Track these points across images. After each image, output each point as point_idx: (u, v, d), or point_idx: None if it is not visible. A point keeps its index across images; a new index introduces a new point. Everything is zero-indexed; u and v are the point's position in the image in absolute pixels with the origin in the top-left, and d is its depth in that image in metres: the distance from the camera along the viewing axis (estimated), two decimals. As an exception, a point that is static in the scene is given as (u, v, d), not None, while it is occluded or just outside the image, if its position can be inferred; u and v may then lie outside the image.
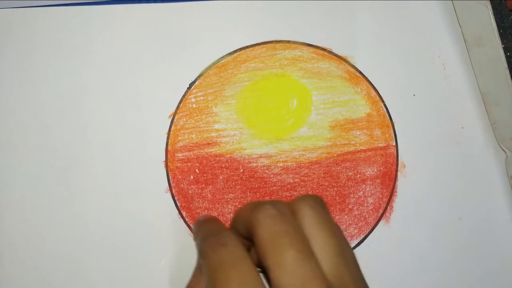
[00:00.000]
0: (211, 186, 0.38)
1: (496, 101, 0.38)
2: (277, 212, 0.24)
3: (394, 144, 0.39)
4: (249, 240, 0.26)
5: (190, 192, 0.38)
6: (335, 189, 0.38)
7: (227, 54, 0.39)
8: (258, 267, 0.24)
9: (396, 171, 0.39)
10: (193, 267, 0.38)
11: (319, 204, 0.26)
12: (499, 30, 0.37)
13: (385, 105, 0.39)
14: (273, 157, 0.38)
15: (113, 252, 0.38)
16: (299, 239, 0.23)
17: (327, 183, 0.38)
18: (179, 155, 0.38)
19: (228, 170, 0.38)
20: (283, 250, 0.23)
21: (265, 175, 0.38)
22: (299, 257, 0.23)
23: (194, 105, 0.39)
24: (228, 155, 0.38)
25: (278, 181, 0.38)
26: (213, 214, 0.38)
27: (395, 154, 0.39)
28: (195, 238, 0.29)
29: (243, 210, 0.26)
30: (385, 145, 0.39)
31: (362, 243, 0.38)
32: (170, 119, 0.39)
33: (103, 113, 0.39)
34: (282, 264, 0.22)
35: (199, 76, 0.39)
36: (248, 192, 0.38)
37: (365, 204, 0.38)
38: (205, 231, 0.28)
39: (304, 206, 0.25)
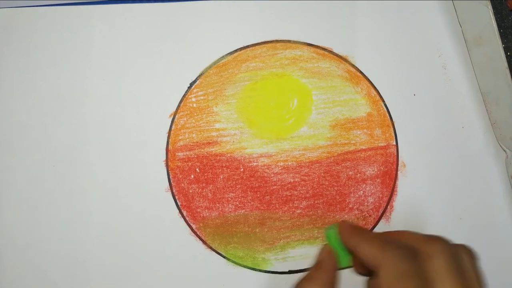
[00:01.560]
0: (211, 185, 0.38)
1: (496, 100, 0.38)
2: (453, 251, 0.28)
3: (394, 143, 0.39)
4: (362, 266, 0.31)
5: (191, 191, 0.38)
6: (336, 188, 0.38)
7: (228, 53, 0.39)
8: None
9: (396, 170, 0.39)
10: (192, 265, 0.38)
11: (475, 255, 0.30)
12: (499, 30, 0.37)
13: (385, 105, 0.39)
14: (273, 157, 0.38)
15: (113, 251, 0.38)
16: (465, 278, 0.27)
17: (327, 183, 0.38)
18: (180, 154, 0.38)
19: (228, 170, 0.38)
20: (454, 285, 0.27)
21: (265, 174, 0.38)
22: None
23: (194, 105, 0.39)
24: (229, 155, 0.38)
25: (278, 180, 0.38)
26: (215, 213, 0.38)
27: (395, 154, 0.39)
28: (353, 239, 0.32)
29: (410, 235, 0.30)
30: (385, 144, 0.39)
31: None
32: (170, 119, 0.39)
33: (104, 112, 0.39)
34: None
35: (199, 76, 0.39)
36: (249, 191, 0.38)
37: (365, 203, 0.38)
38: (376, 236, 0.32)
39: (466, 253, 0.29)
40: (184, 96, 0.39)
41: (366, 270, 0.33)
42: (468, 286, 0.27)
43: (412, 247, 0.29)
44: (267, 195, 0.38)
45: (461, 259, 0.28)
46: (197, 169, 0.38)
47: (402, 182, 0.39)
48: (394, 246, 0.29)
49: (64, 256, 0.38)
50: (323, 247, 0.35)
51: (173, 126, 0.38)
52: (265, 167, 0.38)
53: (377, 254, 0.29)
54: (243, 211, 0.38)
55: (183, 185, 0.38)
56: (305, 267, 0.38)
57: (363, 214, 0.38)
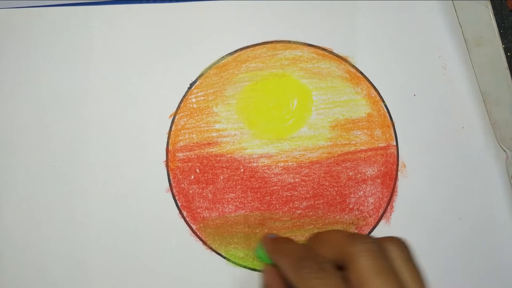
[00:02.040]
0: (211, 186, 0.38)
1: (496, 101, 0.38)
2: (377, 247, 0.26)
3: (394, 144, 0.39)
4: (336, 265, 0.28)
5: (191, 192, 0.38)
6: (336, 189, 0.38)
7: (228, 54, 0.39)
8: None
9: (397, 171, 0.39)
10: (192, 266, 0.38)
11: (407, 247, 0.28)
12: (499, 30, 0.37)
13: (385, 105, 0.39)
14: (273, 157, 0.38)
15: (113, 252, 0.38)
16: (395, 277, 0.25)
17: (327, 183, 0.38)
18: (180, 155, 0.38)
19: (228, 170, 0.38)
20: (385, 286, 0.25)
21: (265, 175, 0.38)
22: None
23: (194, 105, 0.39)
24: (229, 155, 0.38)
25: (278, 181, 0.38)
26: (215, 214, 0.38)
27: (396, 154, 0.39)
28: (273, 257, 0.31)
29: (334, 236, 0.28)
30: (385, 145, 0.39)
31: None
32: (170, 119, 0.39)
33: (103, 113, 0.39)
34: None
35: (199, 76, 0.39)
36: (249, 192, 0.38)
37: (366, 204, 0.38)
38: (293, 251, 0.29)
39: (396, 247, 0.27)
40: (184, 96, 0.39)
41: None
42: (400, 284, 0.25)
43: (335, 256, 0.27)
44: (267, 196, 0.38)
45: (390, 256, 0.27)
46: (197, 170, 0.38)
47: (402, 183, 0.39)
48: (305, 264, 0.27)
49: (64, 256, 0.38)
50: (264, 269, 0.32)
51: (173, 127, 0.38)
52: (265, 167, 0.38)
53: (291, 273, 0.27)
54: (243, 211, 0.38)
55: (183, 185, 0.38)
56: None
57: (363, 214, 0.38)
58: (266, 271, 0.32)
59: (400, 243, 0.28)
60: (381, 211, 0.38)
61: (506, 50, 0.38)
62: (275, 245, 0.32)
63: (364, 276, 0.25)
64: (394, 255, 0.27)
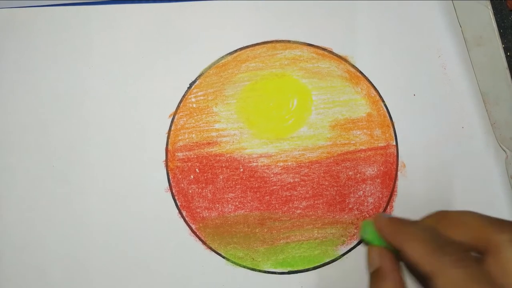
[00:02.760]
0: (211, 185, 0.38)
1: (496, 101, 0.38)
2: (463, 257, 0.24)
3: (394, 143, 0.39)
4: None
5: (190, 191, 0.38)
6: (335, 188, 0.38)
7: (228, 53, 0.39)
8: None
9: (396, 170, 0.39)
10: (192, 266, 0.38)
11: None
12: (499, 30, 0.37)
13: (385, 105, 0.39)
14: (273, 157, 0.38)
15: (113, 252, 0.38)
16: (488, 282, 0.23)
17: (327, 183, 0.38)
18: (179, 154, 0.38)
19: (228, 170, 0.38)
20: None
21: (265, 174, 0.38)
22: None
23: (194, 105, 0.39)
24: (228, 155, 0.38)
25: (278, 181, 0.38)
26: (214, 213, 0.38)
27: (395, 154, 0.39)
28: (397, 239, 0.28)
29: (471, 221, 0.26)
30: (385, 144, 0.39)
31: (362, 243, 0.38)
32: (170, 119, 0.39)
33: (103, 113, 0.39)
34: None
35: (199, 76, 0.39)
36: (248, 192, 0.38)
37: (365, 203, 0.38)
38: (426, 236, 0.27)
39: (508, 244, 0.24)
40: (183, 96, 0.39)
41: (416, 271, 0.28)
42: None
43: (472, 241, 0.25)
44: (267, 196, 0.38)
45: None
46: (196, 170, 0.38)
47: (402, 182, 0.39)
48: (447, 250, 0.25)
49: (63, 256, 0.38)
50: (372, 251, 0.30)
51: (172, 126, 0.38)
52: (265, 167, 0.38)
53: (427, 261, 0.25)
54: (242, 211, 0.38)
55: (182, 185, 0.38)
56: (305, 267, 0.38)
57: (363, 214, 0.38)
58: (379, 254, 0.30)
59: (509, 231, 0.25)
60: (380, 211, 0.38)
61: (506, 50, 0.38)
62: (398, 226, 0.29)
63: (509, 268, 0.23)
64: (501, 259, 0.24)
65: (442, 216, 0.28)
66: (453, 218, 0.27)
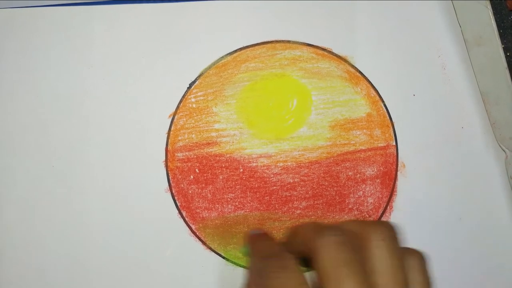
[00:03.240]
0: (211, 186, 0.38)
1: (496, 101, 0.38)
2: (342, 239, 0.25)
3: (394, 144, 0.39)
4: (305, 258, 0.27)
5: (190, 192, 0.38)
6: (335, 189, 0.38)
7: (227, 54, 0.39)
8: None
9: (396, 171, 0.39)
10: (192, 266, 0.38)
11: (391, 234, 0.26)
12: (499, 30, 0.37)
13: (385, 105, 0.39)
14: (273, 157, 0.38)
15: (113, 252, 0.38)
16: (361, 271, 0.24)
17: (327, 183, 0.38)
18: (179, 155, 0.38)
19: (228, 170, 0.38)
20: (343, 282, 0.23)
21: (265, 175, 0.38)
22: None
23: (194, 105, 0.39)
24: (228, 155, 0.38)
25: (278, 181, 0.38)
26: (214, 213, 0.38)
27: (395, 154, 0.39)
28: (249, 254, 0.31)
29: (304, 230, 0.27)
30: (385, 145, 0.39)
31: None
32: (170, 119, 0.39)
33: (103, 113, 0.39)
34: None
35: (199, 76, 0.39)
36: (248, 192, 0.38)
37: (365, 204, 0.38)
38: (263, 249, 0.29)
39: (375, 236, 0.25)
40: (183, 96, 0.39)
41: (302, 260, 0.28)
42: (365, 276, 0.24)
43: (353, 233, 0.26)
44: (267, 196, 0.38)
45: (367, 245, 0.25)
46: (196, 170, 0.38)
47: (401, 183, 0.39)
48: (272, 262, 0.26)
49: (63, 256, 0.38)
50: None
51: (172, 127, 0.38)
52: (265, 167, 0.38)
53: (257, 275, 0.27)
54: (242, 211, 0.38)
55: (182, 185, 0.38)
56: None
57: (363, 214, 0.38)
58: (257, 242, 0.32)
59: (381, 230, 0.26)
60: (380, 211, 0.38)
61: (505, 50, 0.38)
62: (253, 242, 0.32)
63: (325, 270, 0.24)
64: (371, 247, 0.25)
65: (291, 229, 0.30)
66: (296, 229, 0.29)
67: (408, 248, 0.27)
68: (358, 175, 0.38)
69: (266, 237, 0.32)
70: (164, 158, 0.38)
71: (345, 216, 0.38)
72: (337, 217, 0.38)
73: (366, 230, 0.26)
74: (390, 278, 0.25)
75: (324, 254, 0.24)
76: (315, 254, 0.25)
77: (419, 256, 0.27)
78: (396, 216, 0.39)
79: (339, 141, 0.39)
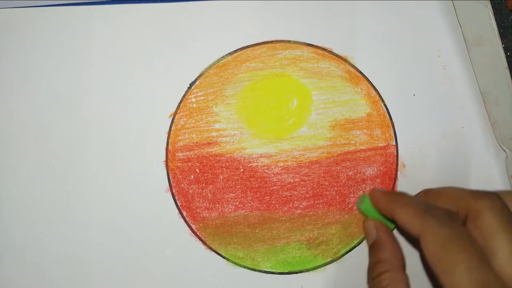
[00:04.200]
0: (211, 185, 0.38)
1: (496, 100, 0.38)
2: (502, 204, 0.26)
3: (394, 143, 0.39)
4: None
5: (191, 191, 0.38)
6: (335, 188, 0.38)
7: (228, 54, 0.39)
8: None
9: (396, 170, 0.39)
10: (192, 266, 0.38)
11: (502, 206, 0.27)
12: (499, 30, 0.37)
13: (385, 105, 0.39)
14: (273, 157, 0.38)
15: (113, 252, 0.38)
16: (473, 250, 0.25)
17: (327, 183, 0.38)
18: (180, 154, 0.38)
19: (228, 170, 0.38)
20: (455, 263, 0.24)
21: (265, 174, 0.38)
22: (472, 268, 0.24)
23: (194, 105, 0.39)
24: (229, 155, 0.38)
25: (278, 181, 0.38)
26: (214, 213, 0.38)
27: (395, 154, 0.39)
28: (390, 207, 0.31)
29: (453, 192, 0.28)
30: (385, 144, 0.39)
31: (362, 243, 0.38)
32: (170, 119, 0.39)
33: (103, 113, 0.39)
34: (508, 252, 0.24)
35: (199, 76, 0.39)
36: (249, 192, 0.38)
37: (365, 203, 0.38)
38: (416, 202, 0.29)
39: (485, 210, 0.26)
40: (184, 96, 0.39)
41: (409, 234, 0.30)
42: None
43: (455, 209, 0.27)
44: (267, 196, 0.38)
45: (505, 210, 0.26)
46: (197, 170, 0.38)
47: (401, 183, 0.39)
48: (433, 213, 0.27)
49: (63, 256, 0.38)
50: (367, 224, 0.34)
51: (173, 127, 0.38)
52: (265, 167, 0.38)
53: (416, 223, 0.28)
54: (243, 211, 0.38)
55: (183, 185, 0.38)
56: (305, 267, 0.38)
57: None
58: (370, 225, 0.33)
59: (491, 203, 0.27)
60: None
61: (505, 49, 0.38)
62: (392, 196, 0.32)
63: (489, 232, 0.25)
64: (482, 222, 0.26)
65: (427, 192, 0.31)
66: (437, 191, 0.30)
67: None
68: (358, 175, 0.38)
69: (405, 193, 0.33)
70: (164, 158, 0.38)
71: (345, 216, 0.38)
72: (337, 217, 0.38)
73: (470, 202, 0.27)
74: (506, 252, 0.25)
75: (487, 217, 0.25)
76: (476, 216, 0.26)
77: None
78: (396, 216, 0.39)
79: (339, 141, 0.39)
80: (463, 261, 0.24)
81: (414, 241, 0.35)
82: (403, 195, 0.33)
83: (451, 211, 0.27)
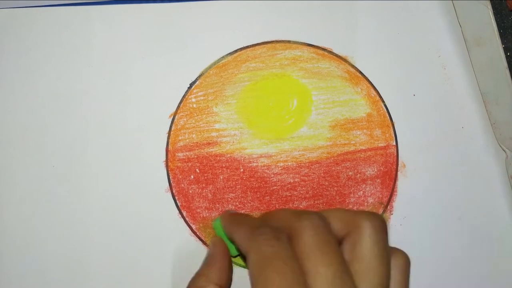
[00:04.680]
0: (211, 185, 0.38)
1: (496, 100, 0.38)
2: (322, 223, 0.26)
3: (394, 144, 0.39)
4: None
5: (191, 191, 0.38)
6: (335, 188, 0.38)
7: (228, 54, 0.39)
8: None
9: (396, 171, 0.39)
10: (192, 266, 0.38)
11: (384, 227, 0.27)
12: (499, 30, 0.37)
13: (385, 105, 0.39)
14: (273, 157, 0.38)
15: (113, 252, 0.38)
16: (338, 252, 0.25)
17: (327, 183, 0.38)
18: (180, 154, 0.38)
19: (228, 170, 0.38)
20: (325, 259, 0.24)
21: (265, 174, 0.38)
22: (337, 273, 0.24)
23: (194, 105, 0.39)
24: (229, 155, 0.38)
25: (278, 181, 0.38)
26: (215, 213, 0.38)
27: (395, 154, 0.39)
28: (229, 228, 0.32)
29: (281, 214, 0.28)
30: (385, 145, 0.39)
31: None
32: (170, 119, 0.39)
33: (103, 113, 0.39)
34: (320, 273, 0.24)
35: (199, 76, 0.39)
36: (249, 192, 0.38)
37: (365, 204, 0.38)
38: (250, 222, 0.30)
39: (304, 230, 0.26)
40: (184, 96, 0.39)
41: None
42: (343, 258, 0.25)
43: (282, 228, 0.27)
44: (267, 196, 0.38)
45: (335, 228, 0.27)
46: (197, 170, 0.38)
47: (402, 183, 0.39)
48: (261, 231, 0.26)
49: (63, 256, 0.38)
50: (212, 239, 0.35)
51: (173, 127, 0.38)
52: (265, 167, 0.38)
53: (245, 242, 0.28)
54: (243, 211, 0.38)
55: (183, 185, 0.38)
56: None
57: (363, 214, 0.38)
58: (213, 241, 0.34)
59: (378, 222, 0.27)
60: (380, 211, 0.38)
61: (505, 50, 0.38)
62: (234, 217, 0.33)
63: (306, 251, 0.25)
64: (363, 232, 0.26)
65: (264, 214, 0.31)
66: (271, 213, 0.30)
67: (395, 248, 0.28)
68: (358, 175, 0.38)
69: (248, 215, 0.34)
70: (164, 158, 0.38)
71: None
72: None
73: (360, 218, 0.27)
74: (372, 268, 0.25)
75: (304, 236, 0.25)
76: (294, 235, 0.26)
77: (404, 257, 0.28)
78: (396, 216, 0.39)
79: (339, 141, 0.39)
80: (275, 281, 0.24)
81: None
82: (244, 216, 0.34)
83: (278, 229, 0.27)
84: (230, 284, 0.34)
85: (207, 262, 0.33)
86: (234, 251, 0.34)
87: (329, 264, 0.24)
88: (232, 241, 0.33)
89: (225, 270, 0.33)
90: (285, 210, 0.29)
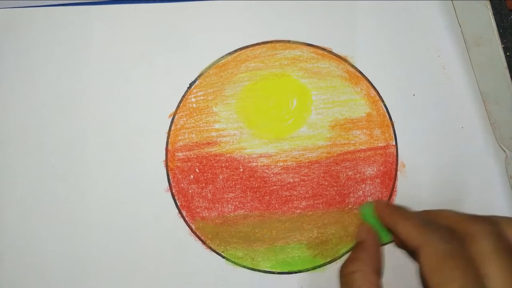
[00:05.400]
0: (211, 185, 0.38)
1: (496, 100, 0.38)
2: (497, 231, 0.27)
3: (394, 143, 0.39)
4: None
5: (190, 191, 0.38)
6: (335, 188, 0.38)
7: (227, 54, 0.39)
8: None
9: (396, 170, 0.39)
10: (192, 265, 0.38)
11: (498, 232, 0.28)
12: (499, 30, 0.37)
13: (385, 105, 0.39)
14: (273, 157, 0.38)
15: (112, 252, 0.38)
16: (469, 269, 0.25)
17: (327, 183, 0.38)
18: (179, 154, 0.38)
19: (228, 170, 0.38)
20: (505, 266, 0.25)
21: (265, 174, 0.38)
22: (465, 287, 0.25)
23: (194, 105, 0.39)
24: (228, 155, 0.38)
25: (278, 181, 0.38)
26: (214, 213, 0.38)
27: (395, 154, 0.39)
28: (391, 218, 0.33)
29: (450, 215, 0.29)
30: (385, 144, 0.39)
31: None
32: (170, 119, 0.39)
33: (103, 112, 0.39)
34: (501, 278, 0.25)
35: (199, 76, 0.39)
36: (248, 192, 0.38)
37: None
38: (417, 216, 0.31)
39: (480, 235, 0.27)
40: (183, 96, 0.39)
41: (407, 247, 0.32)
42: None
43: (454, 229, 0.28)
44: (267, 195, 0.38)
45: (509, 235, 0.27)
46: (196, 169, 0.38)
47: (401, 182, 0.39)
48: (434, 227, 0.28)
49: (63, 256, 0.38)
50: (361, 226, 0.36)
51: (172, 126, 0.38)
52: (265, 167, 0.38)
53: (416, 235, 0.29)
54: (242, 211, 0.38)
55: (182, 185, 0.38)
56: (305, 267, 0.38)
57: (363, 214, 0.38)
58: (363, 228, 0.35)
59: (488, 228, 0.28)
60: (380, 211, 0.38)
61: (505, 50, 0.38)
62: (395, 208, 0.34)
63: (483, 255, 0.26)
64: (478, 247, 0.27)
65: (425, 212, 0.32)
66: (435, 213, 0.31)
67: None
68: (358, 174, 0.38)
69: (407, 208, 0.34)
70: (164, 158, 0.38)
71: (345, 216, 0.38)
72: (337, 217, 0.38)
73: (468, 226, 0.28)
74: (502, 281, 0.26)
75: (483, 243, 0.26)
76: (472, 241, 0.27)
77: None
78: (396, 216, 0.39)
79: (339, 141, 0.39)
80: (458, 279, 0.25)
81: (412, 255, 0.36)
82: (405, 208, 0.34)
83: (452, 228, 0.28)
84: (383, 270, 0.34)
85: (361, 248, 0.34)
86: (386, 238, 0.35)
87: (509, 271, 0.25)
88: (392, 231, 0.33)
89: (378, 256, 0.33)
90: (453, 212, 0.30)
